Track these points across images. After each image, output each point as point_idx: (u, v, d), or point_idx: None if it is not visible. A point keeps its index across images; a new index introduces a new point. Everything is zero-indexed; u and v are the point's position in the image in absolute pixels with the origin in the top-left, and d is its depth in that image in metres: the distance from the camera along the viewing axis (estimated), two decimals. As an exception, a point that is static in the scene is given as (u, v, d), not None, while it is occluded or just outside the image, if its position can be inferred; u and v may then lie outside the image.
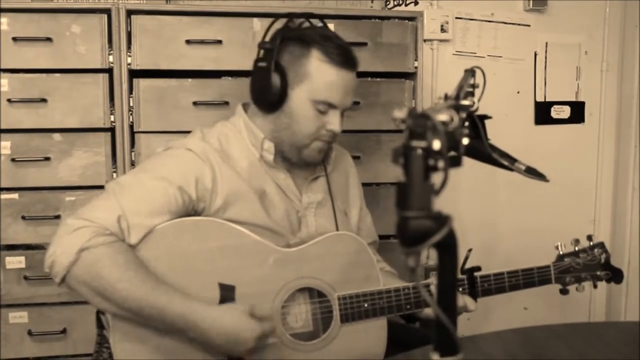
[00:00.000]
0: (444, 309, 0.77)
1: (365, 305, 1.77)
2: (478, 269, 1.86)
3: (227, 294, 1.67)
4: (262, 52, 1.80)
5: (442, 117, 0.80)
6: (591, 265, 1.91)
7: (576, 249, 1.92)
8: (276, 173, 1.83)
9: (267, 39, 1.81)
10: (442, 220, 0.74)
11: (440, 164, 0.75)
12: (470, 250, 1.84)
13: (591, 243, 1.93)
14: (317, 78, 1.73)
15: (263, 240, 1.72)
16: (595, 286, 1.95)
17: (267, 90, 1.76)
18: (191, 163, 1.73)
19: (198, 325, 1.57)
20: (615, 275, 1.93)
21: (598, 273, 1.92)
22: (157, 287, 1.58)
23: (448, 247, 0.78)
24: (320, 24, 1.89)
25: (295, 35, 1.78)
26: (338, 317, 1.75)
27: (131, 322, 1.62)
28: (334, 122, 1.77)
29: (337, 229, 1.87)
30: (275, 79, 1.74)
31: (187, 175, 1.70)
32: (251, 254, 1.71)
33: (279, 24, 1.85)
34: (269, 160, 1.81)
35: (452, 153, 0.86)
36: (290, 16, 1.84)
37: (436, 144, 0.75)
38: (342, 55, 1.74)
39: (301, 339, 1.74)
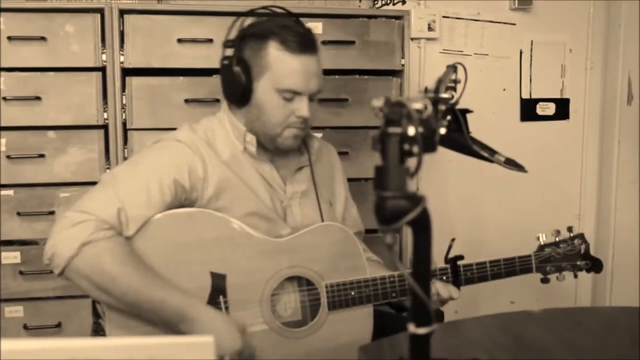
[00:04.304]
0: (418, 282, 0.83)
1: (352, 293, 1.82)
2: (461, 257, 1.92)
3: (218, 282, 1.73)
4: (226, 50, 1.87)
5: (417, 105, 0.85)
6: (571, 255, 1.97)
7: (557, 239, 1.98)
8: (260, 165, 1.88)
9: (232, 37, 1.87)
10: (416, 199, 0.80)
11: (415, 149, 0.81)
12: (453, 239, 1.90)
13: (571, 234, 1.99)
14: (277, 67, 1.78)
15: (253, 231, 1.78)
16: (575, 276, 2.00)
17: (233, 86, 1.82)
18: (183, 154, 1.78)
19: (192, 320, 1.64)
20: (594, 265, 1.99)
21: (578, 263, 1.97)
22: (155, 281, 1.65)
23: (422, 225, 0.83)
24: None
25: (253, 30, 1.84)
26: (326, 304, 1.81)
27: (126, 313, 1.67)
28: (301, 108, 1.80)
29: (322, 218, 1.93)
30: (239, 74, 1.80)
31: (180, 166, 1.75)
32: (242, 244, 1.77)
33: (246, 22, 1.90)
34: (252, 152, 1.86)
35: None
36: (248, 14, 1.89)
37: (410, 130, 0.80)
38: (300, 41, 1.78)
39: (290, 326, 1.80)
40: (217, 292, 1.73)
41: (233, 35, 1.88)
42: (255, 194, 1.85)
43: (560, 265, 1.96)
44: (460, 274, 1.92)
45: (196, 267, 1.73)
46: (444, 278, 1.92)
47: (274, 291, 1.78)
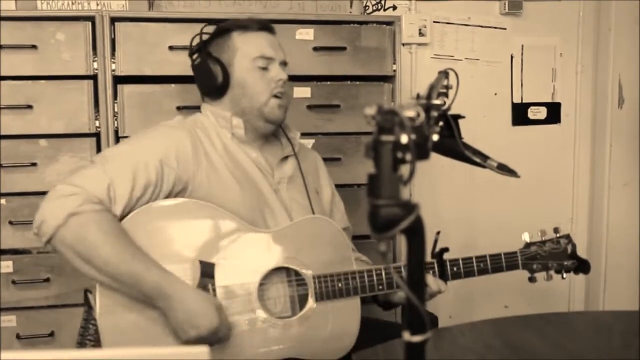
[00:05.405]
0: (413, 290, 0.83)
1: (339, 284, 1.85)
2: (446, 250, 1.95)
3: (207, 271, 1.76)
4: (193, 57, 2.02)
5: (409, 113, 0.85)
6: (557, 253, 1.99)
7: (543, 238, 2.00)
8: (249, 150, 1.95)
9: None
10: (410, 207, 0.80)
11: (408, 156, 0.81)
12: (438, 232, 1.92)
13: (557, 234, 2.01)
14: (245, 45, 1.96)
15: (243, 221, 1.81)
16: (563, 277, 2.01)
17: (211, 78, 1.96)
18: (171, 135, 1.87)
19: (169, 296, 1.66)
20: (581, 265, 2.00)
21: (565, 262, 1.99)
22: (137, 255, 1.68)
23: (416, 233, 0.84)
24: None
25: (214, 31, 2.02)
26: (313, 295, 1.83)
27: (117, 295, 1.70)
28: (277, 71, 1.96)
29: (310, 203, 1.99)
30: (214, 64, 1.95)
31: (168, 148, 1.82)
32: (231, 234, 1.80)
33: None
34: (241, 136, 1.94)
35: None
36: (209, 24, 2.06)
37: (403, 138, 0.81)
38: (257, 22, 2.00)
39: (278, 316, 1.82)
40: (206, 281, 1.76)
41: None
42: (248, 178, 1.90)
43: (547, 263, 1.98)
44: (446, 266, 1.95)
45: (185, 256, 1.75)
46: (430, 272, 1.94)
47: (262, 281, 1.81)
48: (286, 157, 2.04)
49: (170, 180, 1.80)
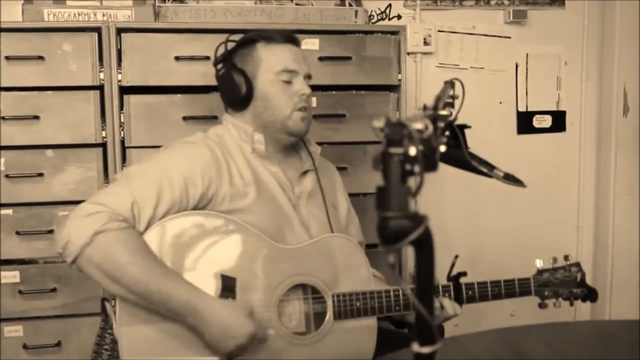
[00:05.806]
0: (422, 302, 0.83)
1: (358, 304, 1.85)
2: (464, 274, 1.95)
3: (228, 285, 1.76)
4: (218, 67, 2.01)
5: (418, 125, 0.86)
6: (568, 281, 2.01)
7: (554, 266, 2.02)
8: (269, 165, 1.94)
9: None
10: (418, 219, 0.80)
11: (416, 168, 0.81)
12: (456, 256, 1.92)
13: (568, 262, 2.03)
14: (269, 57, 1.94)
15: (264, 236, 1.82)
16: (571, 304, 2.03)
17: (235, 89, 1.94)
18: (194, 153, 1.86)
19: (199, 312, 1.67)
20: (590, 294, 2.03)
21: (574, 290, 2.01)
22: (165, 273, 1.68)
23: (425, 244, 0.84)
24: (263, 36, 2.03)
25: (239, 41, 2.00)
26: (332, 313, 1.83)
27: (137, 307, 1.70)
28: (301, 86, 1.94)
29: (329, 219, 1.98)
30: (238, 76, 1.93)
31: (191, 165, 1.81)
32: (253, 249, 1.81)
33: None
34: (262, 151, 1.93)
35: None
36: (228, 40, 2.04)
37: (412, 150, 0.81)
38: (282, 34, 1.98)
39: (295, 333, 1.82)
40: (227, 295, 1.76)
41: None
42: (268, 192, 1.90)
43: (558, 290, 2.00)
44: (462, 291, 1.96)
45: (207, 270, 1.76)
46: (446, 295, 1.95)
47: (282, 297, 1.81)
48: (306, 172, 2.03)
49: (195, 197, 1.80)
